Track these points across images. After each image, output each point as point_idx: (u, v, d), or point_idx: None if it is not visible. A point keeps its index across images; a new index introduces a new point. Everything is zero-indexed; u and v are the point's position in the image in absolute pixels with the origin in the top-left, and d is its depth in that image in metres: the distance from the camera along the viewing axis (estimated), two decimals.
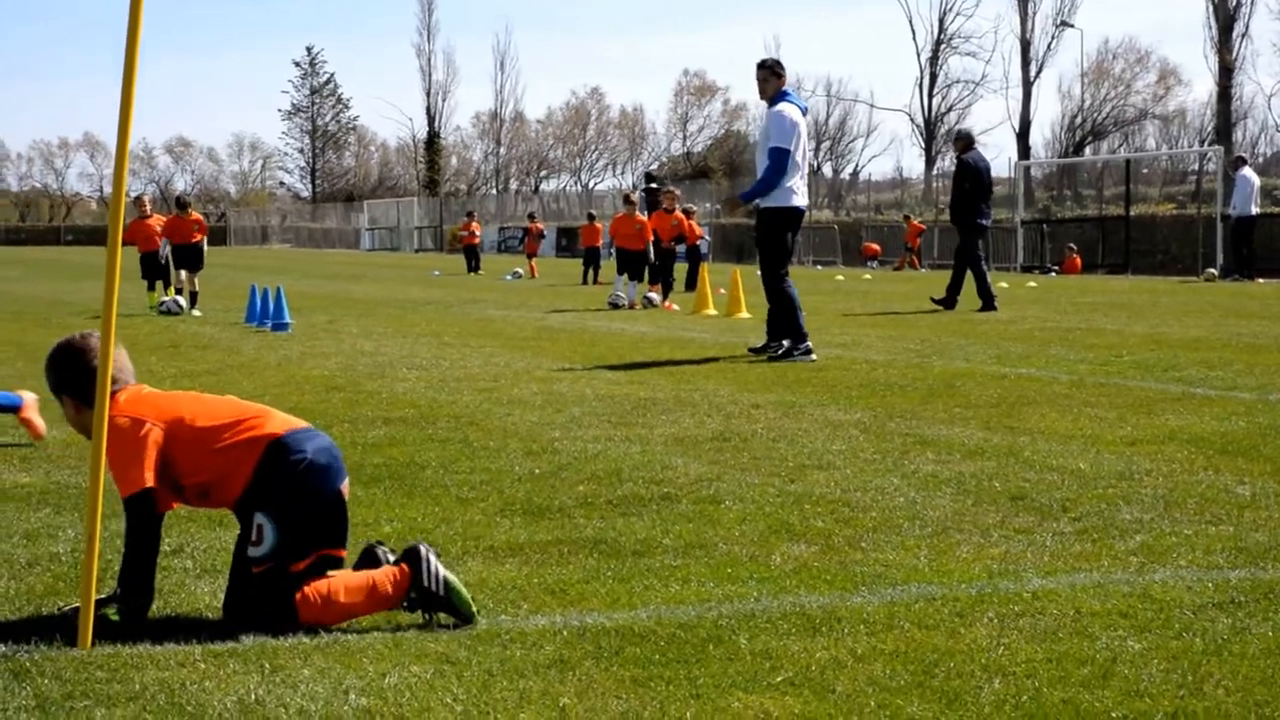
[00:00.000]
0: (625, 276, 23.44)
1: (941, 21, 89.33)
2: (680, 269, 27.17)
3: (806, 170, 13.72)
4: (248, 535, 4.46)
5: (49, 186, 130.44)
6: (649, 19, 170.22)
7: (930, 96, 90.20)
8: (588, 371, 11.91)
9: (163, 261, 22.17)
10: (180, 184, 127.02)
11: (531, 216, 49.65)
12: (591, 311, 21.29)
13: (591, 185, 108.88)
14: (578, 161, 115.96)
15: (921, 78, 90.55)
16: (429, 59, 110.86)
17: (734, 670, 3.95)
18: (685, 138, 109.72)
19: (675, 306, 22.52)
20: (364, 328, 17.50)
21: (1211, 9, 72.22)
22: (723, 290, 22.20)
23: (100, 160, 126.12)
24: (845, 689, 3.79)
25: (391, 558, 4.55)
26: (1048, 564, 5.16)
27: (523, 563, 5.22)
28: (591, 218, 36.62)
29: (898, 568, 5.12)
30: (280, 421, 4.60)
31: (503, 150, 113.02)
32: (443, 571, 4.39)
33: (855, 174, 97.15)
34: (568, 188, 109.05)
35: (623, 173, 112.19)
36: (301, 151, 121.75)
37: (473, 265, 42.37)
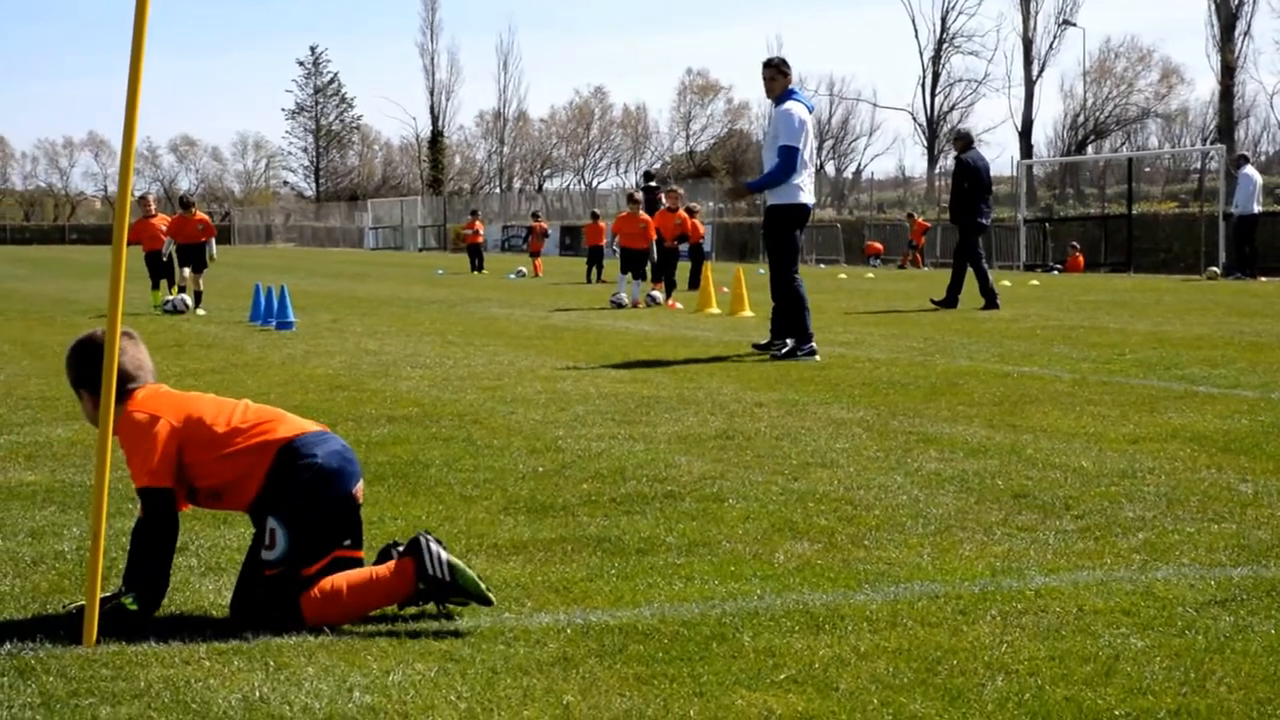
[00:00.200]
0: (629, 276, 23.45)
1: (944, 20, 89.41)
2: (683, 267, 27.18)
3: (814, 168, 13.73)
4: (261, 539, 4.48)
5: (54, 186, 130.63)
6: (652, 18, 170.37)
7: (933, 95, 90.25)
8: (591, 370, 11.91)
9: (165, 259, 22.19)
10: (185, 183, 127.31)
11: (535, 215, 49.67)
12: (595, 310, 21.30)
13: (595, 184, 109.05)
14: (581, 160, 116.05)
15: (924, 76, 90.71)
16: (433, 58, 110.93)
17: (737, 668, 3.96)
18: (688, 136, 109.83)
19: (679, 305, 22.53)
20: (368, 326, 17.51)
21: (1213, 7, 72.19)
22: (726, 289, 22.20)
23: (105, 159, 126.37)
24: (848, 686, 3.79)
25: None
26: (1050, 562, 5.16)
27: (526, 561, 5.23)
28: (595, 216, 36.66)
29: (901, 565, 5.13)
30: (292, 425, 4.60)
31: (506, 149, 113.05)
32: (445, 556, 4.39)
33: (858, 173, 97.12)
34: (571, 187, 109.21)
35: (626, 172, 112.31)
36: (305, 150, 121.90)
37: (476, 264, 42.36)
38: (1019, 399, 9.62)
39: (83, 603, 4.34)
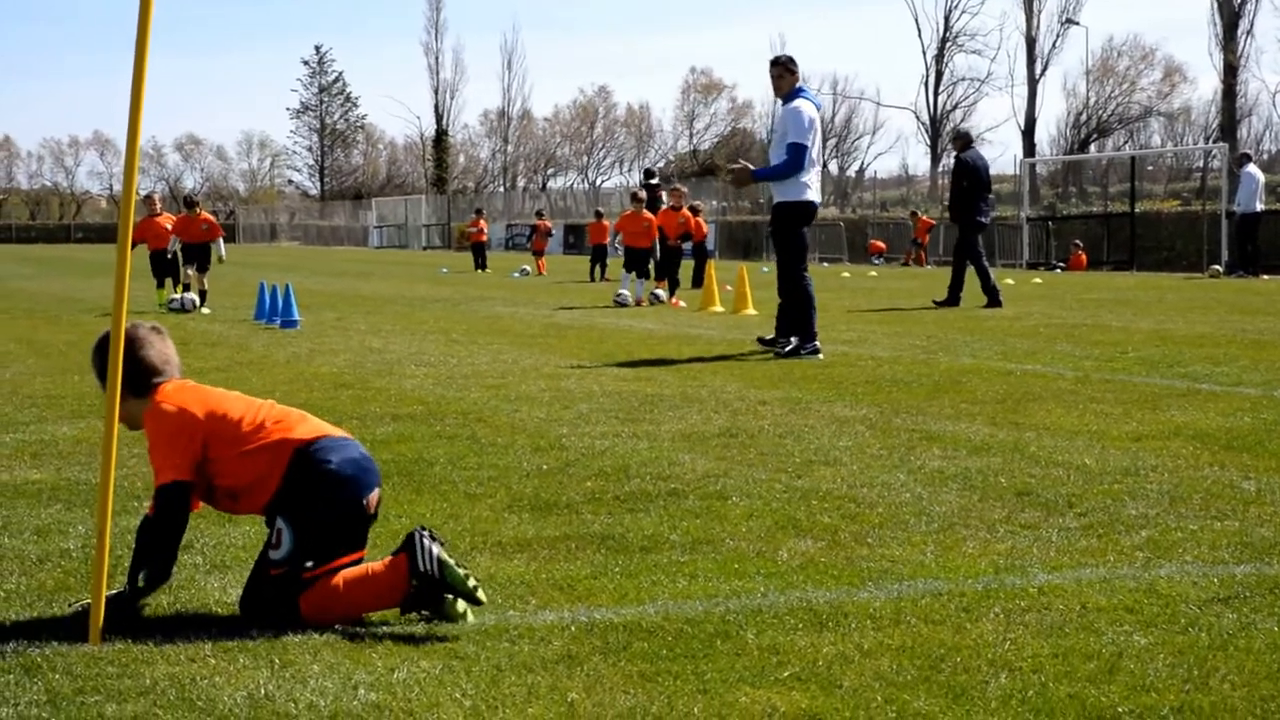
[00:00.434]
0: (633, 274, 23.45)
1: (947, 19, 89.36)
2: (686, 266, 27.18)
3: (820, 166, 13.74)
4: (271, 538, 4.49)
5: (59, 185, 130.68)
6: (655, 17, 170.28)
7: (936, 94, 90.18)
8: (595, 368, 11.92)
9: (170, 257, 22.21)
10: (189, 182, 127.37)
11: (539, 214, 49.65)
12: (599, 308, 21.30)
13: (599, 183, 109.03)
14: (585, 159, 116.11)
15: (927, 75, 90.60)
16: (437, 57, 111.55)
17: (741, 665, 3.97)
18: (692, 135, 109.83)
19: (682, 303, 22.53)
20: (372, 325, 17.52)
21: (1216, 6, 72.13)
22: (729, 287, 22.20)
23: (110, 158, 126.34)
24: (852, 684, 3.80)
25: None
26: (1054, 559, 5.17)
27: (530, 558, 5.24)
28: (599, 215, 36.67)
29: (904, 563, 5.14)
30: (312, 428, 4.59)
31: (510, 148, 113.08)
32: (437, 552, 4.37)
33: (861, 171, 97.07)
34: (575, 185, 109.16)
35: (630, 170, 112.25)
36: (310, 149, 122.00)
37: (480, 262, 42.38)
38: (1022, 397, 9.62)
39: (88, 600, 4.35)
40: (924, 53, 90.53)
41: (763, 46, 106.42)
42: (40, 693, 3.77)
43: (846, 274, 36.02)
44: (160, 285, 22.32)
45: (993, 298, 19.92)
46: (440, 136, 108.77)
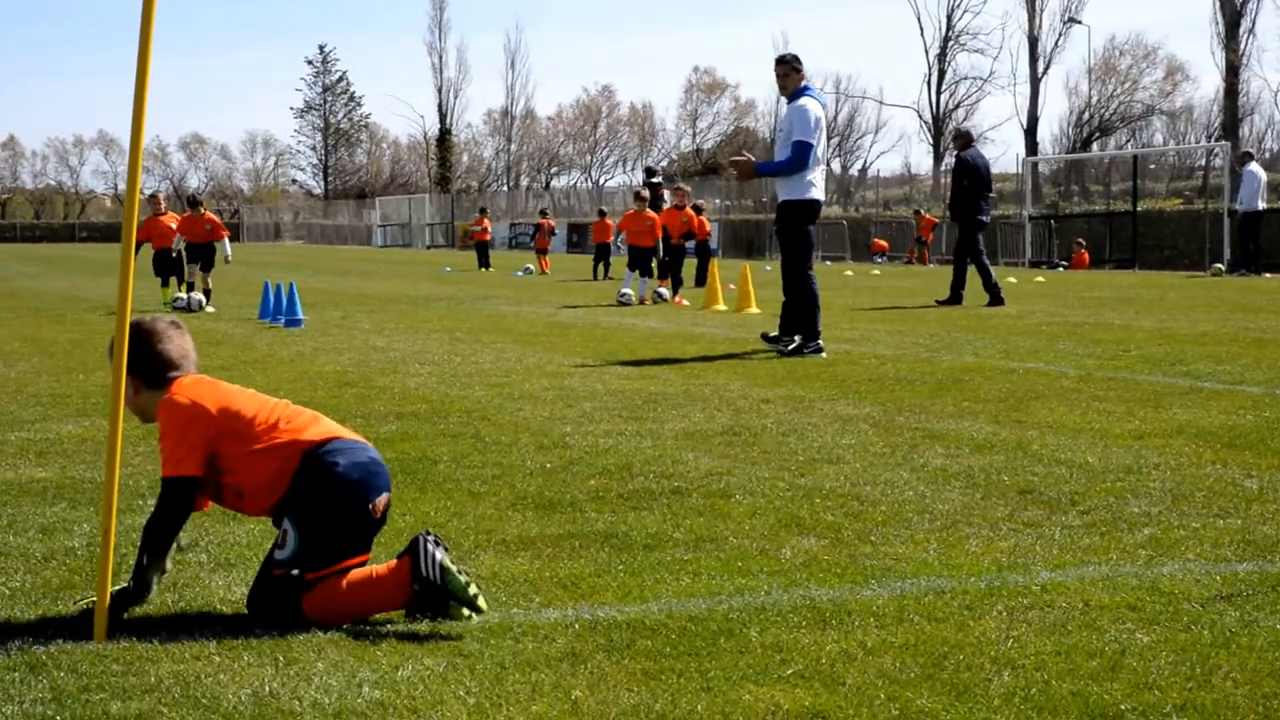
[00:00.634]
0: (636, 273, 23.47)
1: (950, 18, 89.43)
2: (690, 264, 27.19)
3: (825, 164, 13.75)
4: (278, 538, 4.49)
5: (64, 184, 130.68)
6: (658, 16, 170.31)
7: (938, 93, 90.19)
8: (599, 366, 11.93)
9: (174, 256, 22.23)
10: (194, 181, 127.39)
11: (543, 213, 49.64)
12: (602, 307, 21.31)
13: (602, 182, 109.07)
14: (588, 158, 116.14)
15: (930, 74, 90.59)
16: (440, 57, 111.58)
17: (744, 663, 3.98)
18: (695, 134, 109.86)
19: (685, 302, 22.54)
20: (376, 323, 17.53)
21: (1218, 5, 72.12)
22: (732, 286, 22.20)
23: (114, 157, 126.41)
24: (855, 681, 3.81)
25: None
26: (1056, 557, 5.18)
27: (534, 556, 5.25)
28: (602, 214, 36.67)
29: (907, 561, 5.14)
30: (324, 429, 4.58)
31: (514, 147, 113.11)
32: (439, 557, 4.36)
33: (864, 170, 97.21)
34: (578, 184, 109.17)
35: (633, 169, 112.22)
36: (314, 148, 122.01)
37: (484, 261, 42.39)
38: (1024, 395, 9.63)
39: (93, 598, 4.37)
40: (926, 51, 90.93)
41: (766, 45, 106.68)
42: (45, 690, 3.78)
43: (849, 272, 36.00)
44: (165, 284, 22.34)
45: (994, 296, 19.92)
46: (444, 136, 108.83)
